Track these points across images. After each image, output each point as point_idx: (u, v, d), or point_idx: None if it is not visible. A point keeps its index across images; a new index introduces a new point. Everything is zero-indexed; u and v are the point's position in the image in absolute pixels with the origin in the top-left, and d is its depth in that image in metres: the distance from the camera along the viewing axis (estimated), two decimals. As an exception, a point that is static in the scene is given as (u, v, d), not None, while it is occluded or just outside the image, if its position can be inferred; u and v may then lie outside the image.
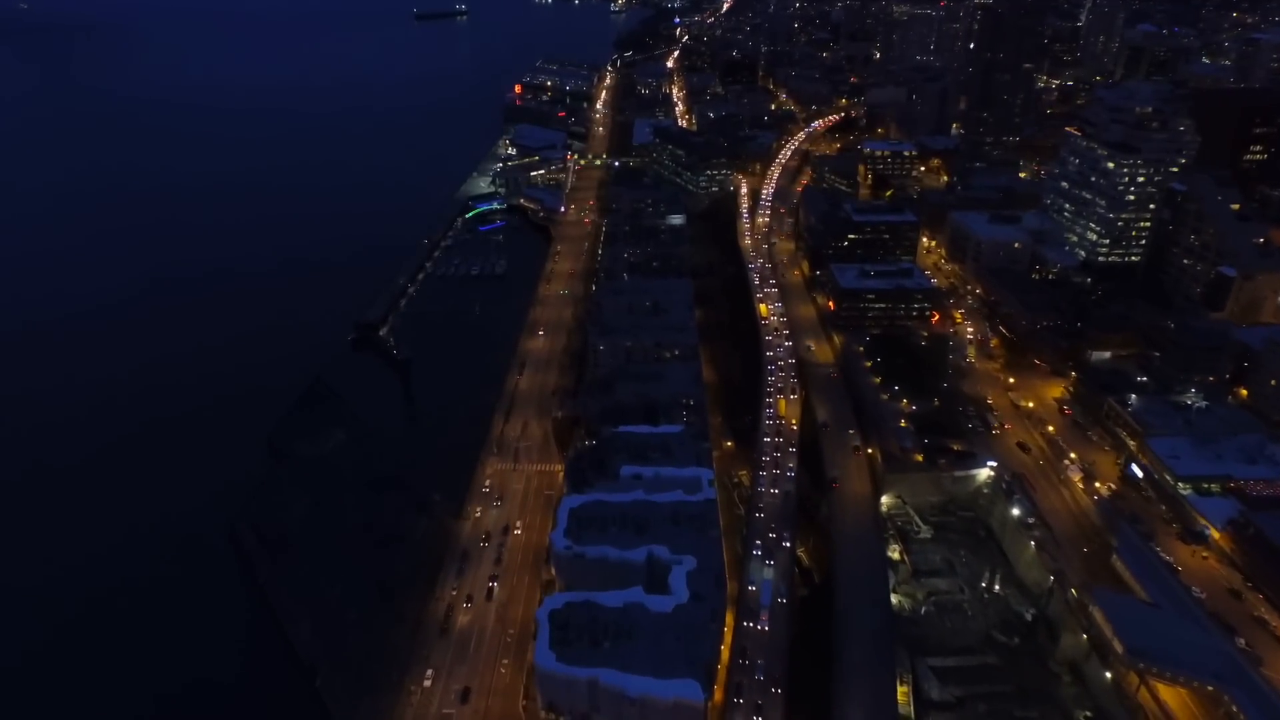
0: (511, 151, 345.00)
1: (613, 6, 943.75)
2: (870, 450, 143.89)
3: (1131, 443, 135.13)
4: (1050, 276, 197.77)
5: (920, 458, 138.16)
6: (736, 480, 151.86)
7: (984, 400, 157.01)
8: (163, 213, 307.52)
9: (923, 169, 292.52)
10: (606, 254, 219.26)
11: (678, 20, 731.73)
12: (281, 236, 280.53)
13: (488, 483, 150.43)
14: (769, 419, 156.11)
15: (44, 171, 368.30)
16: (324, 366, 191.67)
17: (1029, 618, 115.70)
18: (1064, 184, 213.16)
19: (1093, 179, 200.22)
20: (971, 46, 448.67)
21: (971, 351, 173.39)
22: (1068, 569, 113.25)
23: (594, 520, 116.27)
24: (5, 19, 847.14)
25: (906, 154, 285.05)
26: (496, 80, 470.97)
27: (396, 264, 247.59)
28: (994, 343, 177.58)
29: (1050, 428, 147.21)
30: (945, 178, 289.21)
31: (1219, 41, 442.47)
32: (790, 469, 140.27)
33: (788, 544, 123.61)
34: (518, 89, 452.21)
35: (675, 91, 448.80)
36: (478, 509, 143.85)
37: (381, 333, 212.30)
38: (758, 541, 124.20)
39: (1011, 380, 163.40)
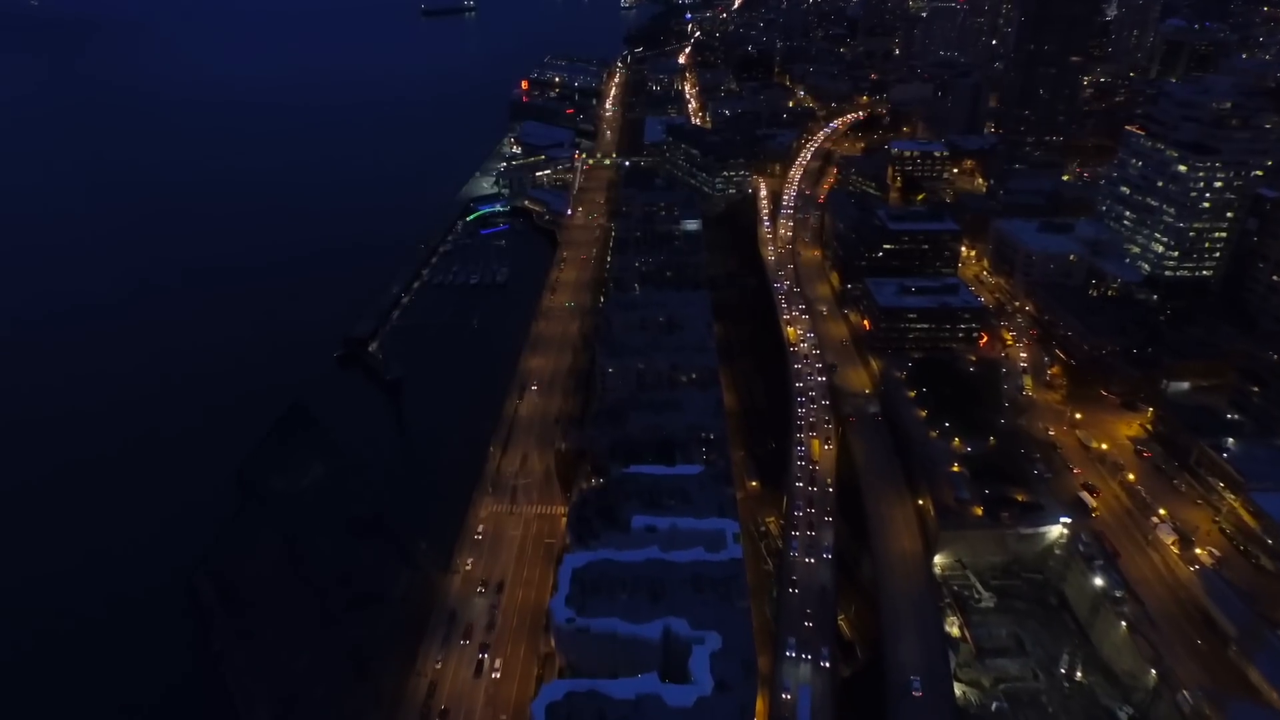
0: (516, 150, 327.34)
1: (623, 2, 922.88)
2: (920, 501, 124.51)
3: (1231, 497, 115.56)
4: (1110, 293, 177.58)
5: (980, 511, 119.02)
6: (764, 529, 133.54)
7: (1047, 439, 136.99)
8: (152, 211, 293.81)
9: (955, 171, 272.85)
10: (616, 262, 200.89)
11: (689, 15, 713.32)
12: (272, 238, 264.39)
13: (481, 528, 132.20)
14: (800, 459, 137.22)
15: (41, 170, 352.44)
16: (305, 386, 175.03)
17: (1125, 719, 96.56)
18: (1123, 189, 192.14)
19: (1159, 184, 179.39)
20: (994, 43, 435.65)
21: (1028, 381, 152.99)
22: (1173, 659, 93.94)
23: (601, 584, 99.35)
24: (15, 15, 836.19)
25: (937, 154, 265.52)
26: (504, 77, 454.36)
27: (391, 270, 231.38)
28: (1053, 370, 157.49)
29: (1130, 475, 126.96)
30: (980, 180, 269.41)
31: (1254, 36, 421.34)
32: (827, 548, 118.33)
33: (826, 663, 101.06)
34: (524, 85, 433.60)
35: (688, 88, 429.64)
36: (469, 560, 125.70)
37: (371, 349, 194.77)
38: (791, 639, 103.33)
39: (1078, 415, 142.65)
